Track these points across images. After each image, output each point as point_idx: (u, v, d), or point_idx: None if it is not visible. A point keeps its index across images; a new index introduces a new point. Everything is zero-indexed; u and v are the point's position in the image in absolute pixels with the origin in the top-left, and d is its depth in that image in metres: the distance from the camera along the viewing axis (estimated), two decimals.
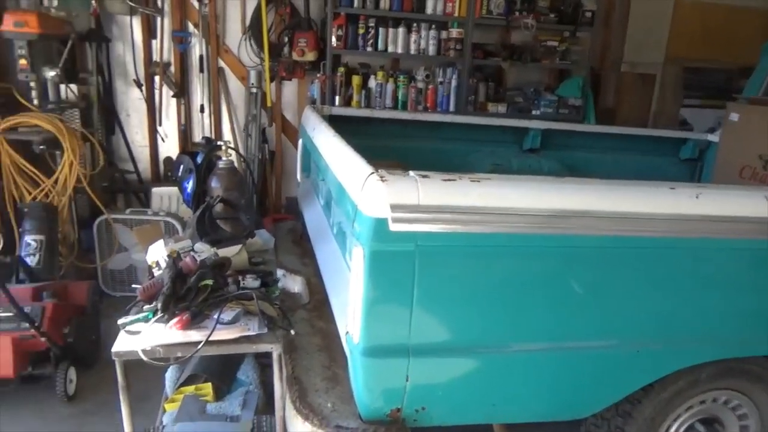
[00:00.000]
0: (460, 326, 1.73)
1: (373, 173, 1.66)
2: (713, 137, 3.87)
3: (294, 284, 2.83)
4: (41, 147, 3.42)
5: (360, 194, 1.67)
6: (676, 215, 1.77)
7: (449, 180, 1.67)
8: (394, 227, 1.57)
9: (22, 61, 3.46)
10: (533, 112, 4.82)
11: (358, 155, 1.95)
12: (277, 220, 4.22)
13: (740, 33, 5.24)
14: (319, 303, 2.56)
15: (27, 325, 2.57)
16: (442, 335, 1.71)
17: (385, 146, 3.69)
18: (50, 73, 3.59)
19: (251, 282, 2.15)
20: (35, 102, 3.59)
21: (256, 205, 4.60)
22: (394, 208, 1.57)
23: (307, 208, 3.18)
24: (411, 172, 1.67)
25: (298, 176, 3.54)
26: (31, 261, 3.06)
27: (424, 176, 1.65)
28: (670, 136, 4.14)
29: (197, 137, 4.69)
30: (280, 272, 2.88)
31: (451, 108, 4.66)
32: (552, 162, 3.74)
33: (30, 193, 3.51)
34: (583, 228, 1.70)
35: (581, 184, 1.79)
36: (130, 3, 4.25)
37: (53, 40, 3.69)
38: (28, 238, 3.10)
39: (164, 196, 4.41)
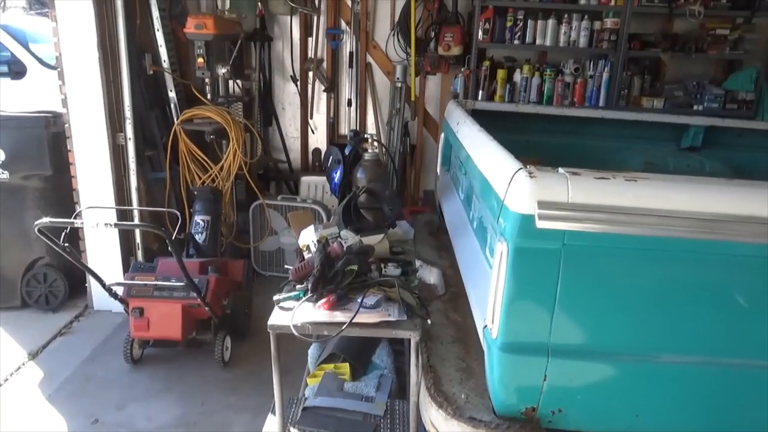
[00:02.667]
0: (604, 330, 1.66)
1: (521, 169, 1.65)
2: None
3: (430, 275, 2.89)
4: (211, 136, 3.82)
5: (506, 189, 1.66)
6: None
7: (602, 178, 1.60)
8: (540, 224, 1.55)
9: (200, 60, 3.88)
10: (695, 108, 4.42)
11: (505, 151, 1.95)
12: (415, 212, 4.31)
13: None
14: (454, 295, 2.59)
15: (194, 294, 2.90)
16: (585, 338, 1.66)
17: (529, 142, 3.61)
18: (222, 71, 3.98)
19: (392, 270, 2.24)
20: (208, 96, 4.01)
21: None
22: (542, 205, 1.55)
23: (445, 201, 3.22)
24: (561, 169, 1.63)
25: (438, 170, 3.59)
26: (200, 238, 3.44)
27: (575, 173, 1.60)
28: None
29: (344, 130, 4.93)
30: (417, 263, 2.96)
31: (601, 103, 4.42)
32: (715, 162, 3.41)
33: (200, 178, 3.93)
34: (748, 235, 1.54)
35: (748, 186, 1.62)
36: (291, 3, 4.56)
37: (225, 40, 4.09)
38: (198, 218, 3.49)
39: (312, 184, 4.71)
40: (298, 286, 2.15)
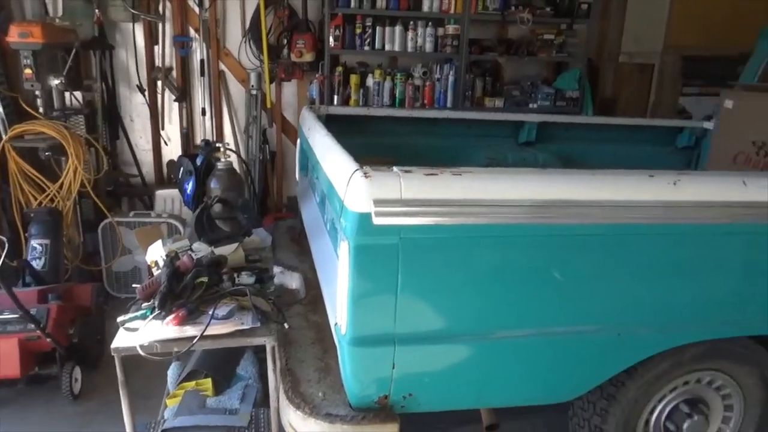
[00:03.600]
0: (444, 315, 1.78)
1: (357, 170, 1.71)
2: (709, 125, 3.88)
3: (292, 280, 2.90)
4: (47, 153, 3.51)
5: (345, 190, 1.72)
6: (655, 202, 1.81)
7: (431, 174, 1.71)
8: (377, 221, 1.62)
9: (27, 71, 3.55)
10: (531, 106, 4.85)
11: (345, 153, 2.01)
12: (279, 218, 4.29)
13: (741, 20, 5.21)
14: (314, 298, 2.62)
15: (32, 326, 2.65)
16: (427, 324, 1.76)
17: (383, 143, 3.75)
18: (54, 82, 3.68)
19: (246, 279, 2.22)
20: (41, 110, 3.69)
21: (258, 205, 4.68)
22: (377, 202, 1.62)
23: (304, 206, 3.24)
24: (395, 168, 1.72)
25: (297, 175, 3.61)
26: (37, 264, 3.15)
27: (407, 171, 1.70)
28: (667, 125, 4.15)
29: (200, 140, 4.78)
30: (277, 269, 2.95)
31: (449, 104, 4.70)
32: (547, 154, 3.77)
33: (36, 199, 3.60)
34: (564, 217, 1.74)
35: (560, 174, 1.84)
36: (132, 10, 4.33)
37: (57, 49, 3.78)
38: (34, 243, 3.19)
39: (168, 198, 4.50)
40: (144, 305, 2.06)
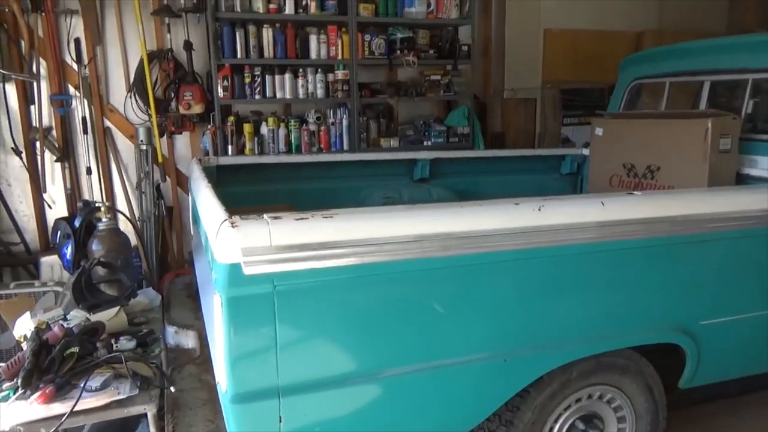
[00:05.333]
0: (329, 360, 1.75)
1: (225, 220, 1.68)
2: (587, 151, 4.16)
3: (187, 339, 2.78)
4: None
5: (215, 241, 1.68)
6: (523, 228, 1.89)
7: (301, 219, 1.71)
8: (248, 271, 1.59)
9: None
10: (425, 143, 5.01)
11: (218, 203, 1.97)
12: (179, 275, 4.12)
13: (607, 54, 5.70)
14: (209, 357, 2.51)
15: None
16: (312, 371, 1.73)
17: (279, 190, 3.73)
18: None
19: (125, 344, 2.09)
20: None
21: (157, 262, 4.48)
22: (246, 252, 1.59)
23: (197, 260, 3.14)
24: (265, 215, 1.70)
25: (191, 229, 3.50)
26: None
27: (276, 218, 1.68)
28: (550, 154, 4.42)
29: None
30: (171, 329, 2.82)
31: (345, 146, 4.76)
32: (441, 189, 3.89)
33: None
34: (435, 251, 1.78)
35: (429, 209, 1.88)
36: (2, 71, 4.11)
37: None
38: None
39: (55, 265, 4.22)
40: (6, 385, 1.88)
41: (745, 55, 3.15)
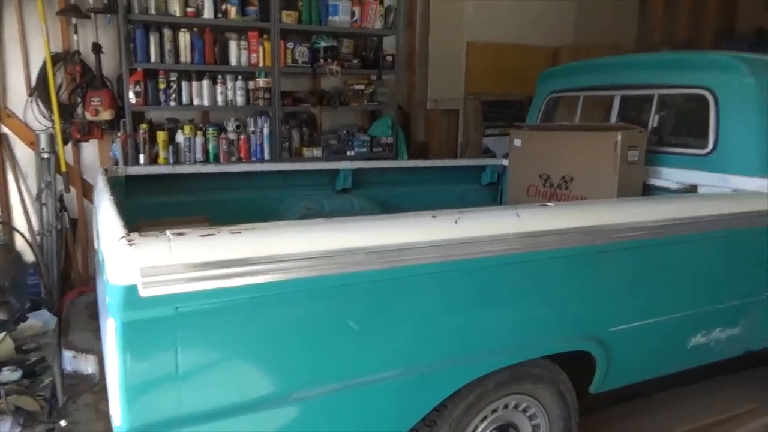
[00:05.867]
0: (238, 385, 1.65)
1: (122, 237, 1.54)
2: (506, 162, 4.25)
3: (86, 365, 2.57)
4: None
5: (109, 261, 1.54)
6: (440, 241, 1.86)
7: (208, 235, 1.60)
8: (146, 293, 1.46)
9: None
10: (348, 153, 4.97)
11: (117, 218, 1.82)
12: (82, 293, 3.84)
13: (526, 67, 5.88)
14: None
15: None
16: (220, 398, 1.62)
17: (196, 202, 3.55)
18: None
19: (9, 375, 1.89)
20: None
21: (59, 280, 4.16)
22: (145, 272, 1.46)
23: (98, 278, 2.92)
24: (167, 232, 1.58)
25: (95, 244, 3.26)
26: None
27: (180, 234, 1.57)
28: (471, 164, 4.48)
29: None
30: (69, 353, 2.60)
31: (267, 156, 4.64)
32: (363, 200, 3.84)
33: None
34: (351, 265, 1.72)
35: (343, 223, 1.82)
36: None
37: None
38: None
39: None
40: None
41: (651, 72, 3.31)
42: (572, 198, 3.38)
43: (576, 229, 2.09)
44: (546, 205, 2.19)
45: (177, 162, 4.36)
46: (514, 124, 4.15)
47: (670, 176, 3.17)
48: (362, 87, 5.04)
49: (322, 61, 4.79)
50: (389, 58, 5.13)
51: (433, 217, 1.91)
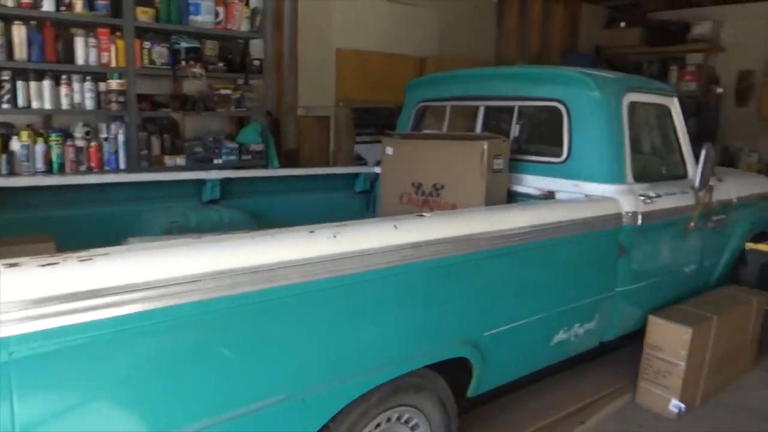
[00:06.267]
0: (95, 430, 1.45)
1: None
2: (379, 169, 4.27)
3: None
4: None
5: None
6: (318, 258, 1.79)
7: (50, 264, 1.38)
8: None
9: None
10: (216, 162, 4.71)
11: None
12: None
13: (395, 76, 6.00)
14: None
15: None
16: None
17: (38, 218, 3.13)
18: None
19: None
20: None
21: None
22: None
23: None
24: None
25: None
26: None
27: (12, 265, 1.34)
28: (344, 172, 4.45)
29: None
30: None
31: (123, 165, 4.25)
32: (233, 211, 3.63)
33: None
34: (222, 289, 1.59)
35: (211, 243, 1.68)
36: None
37: None
38: None
39: None
40: None
41: (512, 84, 3.51)
42: (443, 205, 3.47)
43: (453, 238, 2.13)
44: (422, 215, 2.20)
45: (12, 173, 3.83)
46: (385, 133, 4.19)
47: (531, 183, 3.37)
48: (229, 92, 4.81)
49: (183, 63, 4.50)
50: (257, 62, 4.95)
51: (310, 232, 1.83)
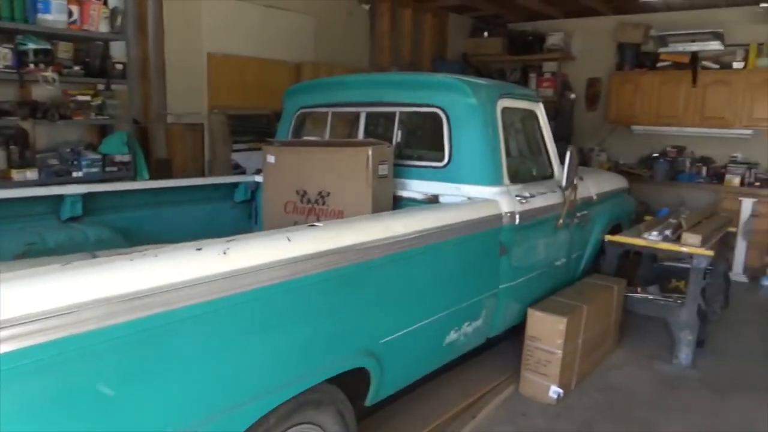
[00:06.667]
0: None
1: None
2: (260, 178, 4.12)
3: None
4: None
5: None
6: (208, 277, 1.66)
7: None
8: None
9: None
10: (75, 175, 4.26)
11: None
12: None
13: (271, 82, 5.84)
14: None
15: None
16: None
17: None
18: None
19: None
20: None
21: None
22: None
23: None
24: None
25: None
26: None
27: None
28: (222, 181, 4.24)
29: None
30: None
31: None
32: (99, 229, 3.31)
33: None
34: (98, 320, 1.41)
35: (78, 269, 1.49)
36: None
37: None
38: None
39: None
40: None
41: (393, 91, 3.55)
42: (330, 213, 3.42)
43: (348, 247, 2.09)
44: (315, 225, 2.14)
45: None
46: (265, 140, 4.05)
47: (416, 188, 3.44)
48: (88, 98, 4.37)
49: (32, 66, 4.02)
50: (119, 66, 4.56)
51: (198, 249, 1.69)
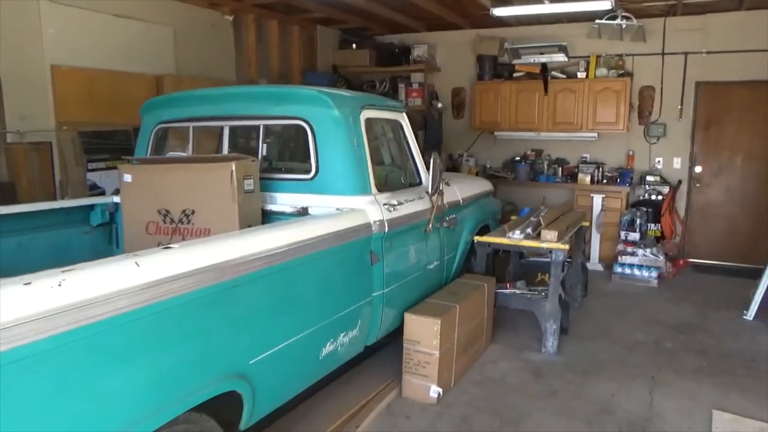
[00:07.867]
0: None
1: None
2: (118, 199, 3.84)
3: None
4: None
5: None
6: (37, 314, 1.49)
7: None
8: None
9: None
10: None
11: None
12: None
13: (129, 96, 5.47)
14: None
15: None
16: None
17: None
18: None
19: None
20: None
21: None
22: None
23: None
24: None
25: None
26: None
27: None
28: (75, 204, 3.89)
29: None
30: None
31: None
32: None
33: None
34: None
35: None
36: None
37: None
38: None
39: None
40: None
41: (255, 103, 3.46)
42: (196, 232, 3.26)
43: (205, 268, 1.99)
44: (169, 247, 2.01)
45: None
46: (122, 158, 3.78)
47: (284, 201, 3.38)
48: None
49: None
50: None
51: (26, 284, 1.52)
